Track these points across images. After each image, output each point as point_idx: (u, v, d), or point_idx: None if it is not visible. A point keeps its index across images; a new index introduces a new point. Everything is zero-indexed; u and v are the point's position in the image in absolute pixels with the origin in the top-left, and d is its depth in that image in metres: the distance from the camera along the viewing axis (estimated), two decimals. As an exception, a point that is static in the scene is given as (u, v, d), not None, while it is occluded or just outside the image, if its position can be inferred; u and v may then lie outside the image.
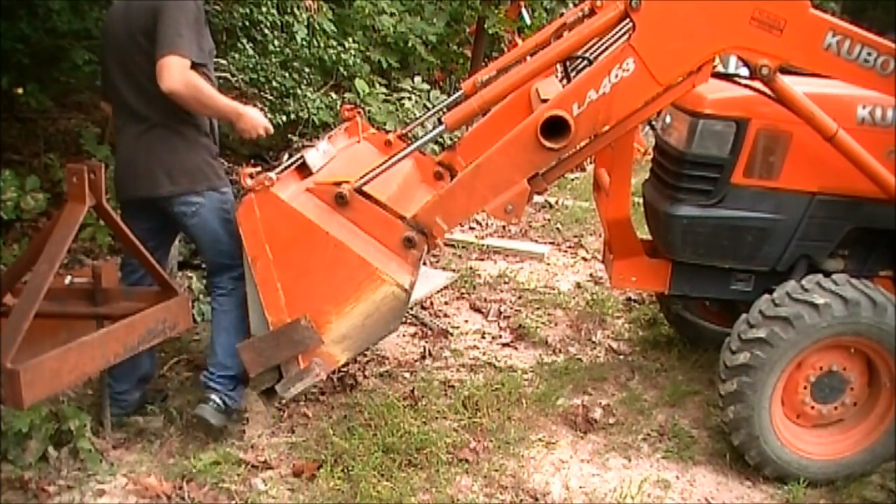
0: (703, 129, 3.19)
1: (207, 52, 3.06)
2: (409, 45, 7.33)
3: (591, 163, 6.26)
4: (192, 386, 3.60)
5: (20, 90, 5.38)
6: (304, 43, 5.81)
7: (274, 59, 5.64)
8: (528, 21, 8.79)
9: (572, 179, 8.13)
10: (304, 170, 3.01)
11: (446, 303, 4.85)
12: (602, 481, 3.15)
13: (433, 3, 7.96)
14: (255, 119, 3.13)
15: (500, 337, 4.42)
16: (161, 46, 2.85)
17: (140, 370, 3.27)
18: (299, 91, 5.74)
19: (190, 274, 4.41)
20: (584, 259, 5.87)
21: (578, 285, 5.29)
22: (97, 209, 2.66)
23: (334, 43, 6.16)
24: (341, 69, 6.32)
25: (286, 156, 3.40)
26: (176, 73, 2.82)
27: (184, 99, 2.88)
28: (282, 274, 2.72)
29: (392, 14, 7.13)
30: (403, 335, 4.31)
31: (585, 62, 3.33)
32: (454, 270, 5.32)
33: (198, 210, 3.09)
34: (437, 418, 3.42)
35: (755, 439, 3.06)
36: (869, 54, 2.81)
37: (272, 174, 2.72)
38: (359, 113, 3.75)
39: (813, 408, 3.15)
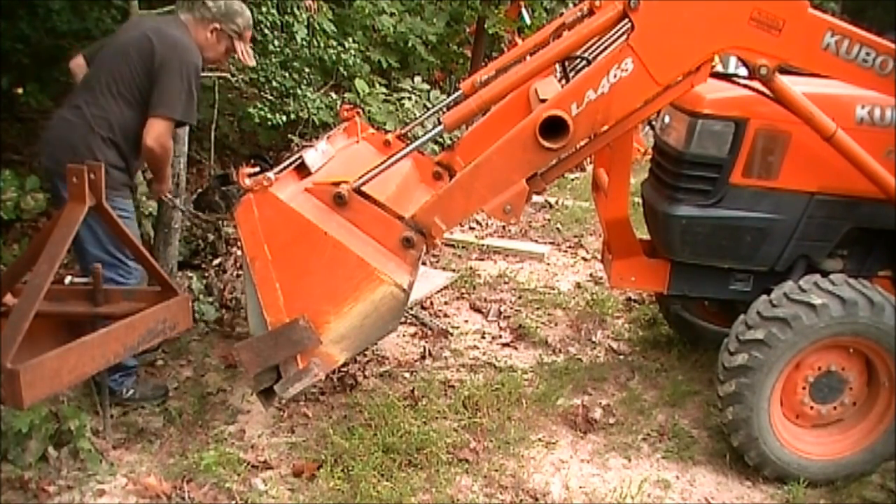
0: (702, 129, 3.19)
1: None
2: (409, 45, 7.32)
3: (590, 163, 6.27)
4: (192, 386, 3.61)
5: (20, 90, 5.40)
6: (304, 43, 5.81)
7: (274, 59, 5.64)
8: (528, 21, 8.79)
9: (572, 179, 8.14)
10: (302, 170, 3.01)
11: (446, 303, 4.85)
12: (602, 481, 3.16)
13: (433, 3, 7.96)
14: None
15: (500, 337, 4.42)
16: (156, 105, 3.19)
17: None
18: (299, 91, 5.74)
19: (190, 274, 4.42)
20: (584, 259, 5.87)
21: (578, 285, 5.29)
22: (97, 209, 2.66)
23: (334, 43, 6.15)
24: (341, 69, 6.32)
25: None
26: (160, 136, 3.21)
27: (154, 156, 3.28)
28: (280, 274, 2.72)
29: (392, 14, 7.13)
30: (403, 335, 4.31)
31: (584, 62, 3.32)
32: (454, 270, 5.32)
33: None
34: (437, 418, 3.42)
35: (754, 440, 3.06)
36: (867, 54, 2.81)
37: (271, 174, 2.72)
38: (358, 113, 3.75)
39: (812, 408, 3.15)
